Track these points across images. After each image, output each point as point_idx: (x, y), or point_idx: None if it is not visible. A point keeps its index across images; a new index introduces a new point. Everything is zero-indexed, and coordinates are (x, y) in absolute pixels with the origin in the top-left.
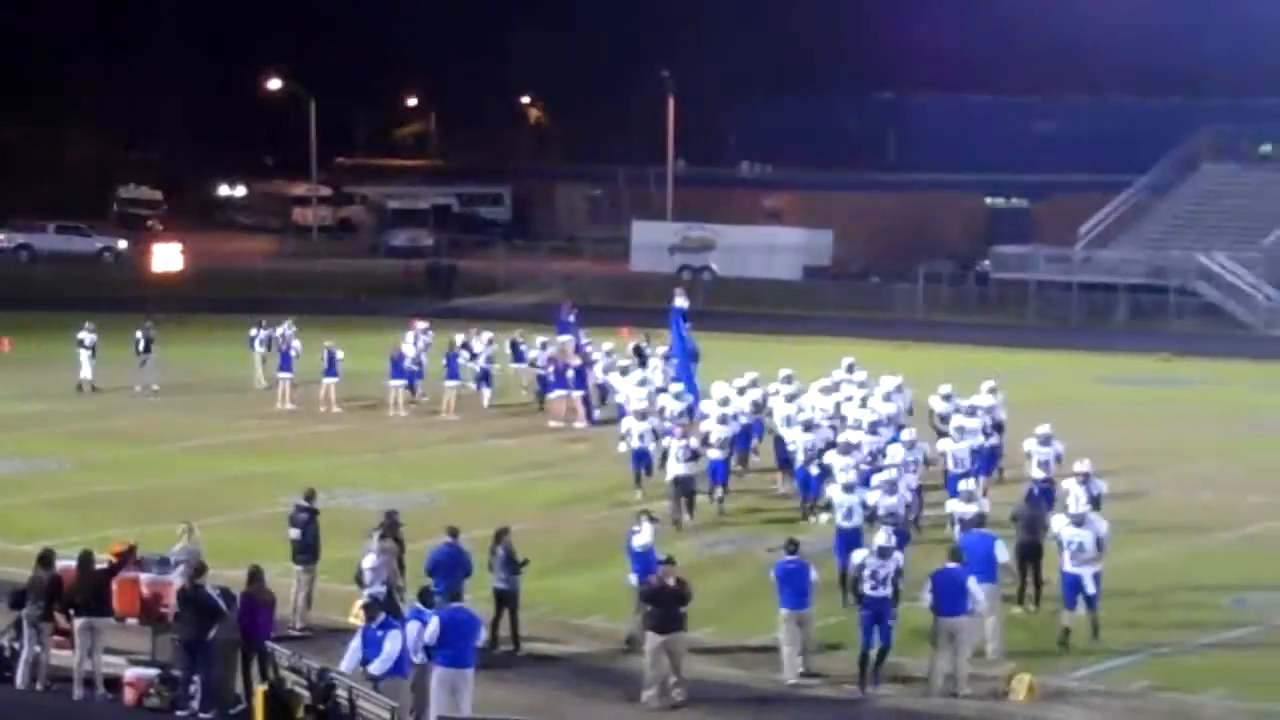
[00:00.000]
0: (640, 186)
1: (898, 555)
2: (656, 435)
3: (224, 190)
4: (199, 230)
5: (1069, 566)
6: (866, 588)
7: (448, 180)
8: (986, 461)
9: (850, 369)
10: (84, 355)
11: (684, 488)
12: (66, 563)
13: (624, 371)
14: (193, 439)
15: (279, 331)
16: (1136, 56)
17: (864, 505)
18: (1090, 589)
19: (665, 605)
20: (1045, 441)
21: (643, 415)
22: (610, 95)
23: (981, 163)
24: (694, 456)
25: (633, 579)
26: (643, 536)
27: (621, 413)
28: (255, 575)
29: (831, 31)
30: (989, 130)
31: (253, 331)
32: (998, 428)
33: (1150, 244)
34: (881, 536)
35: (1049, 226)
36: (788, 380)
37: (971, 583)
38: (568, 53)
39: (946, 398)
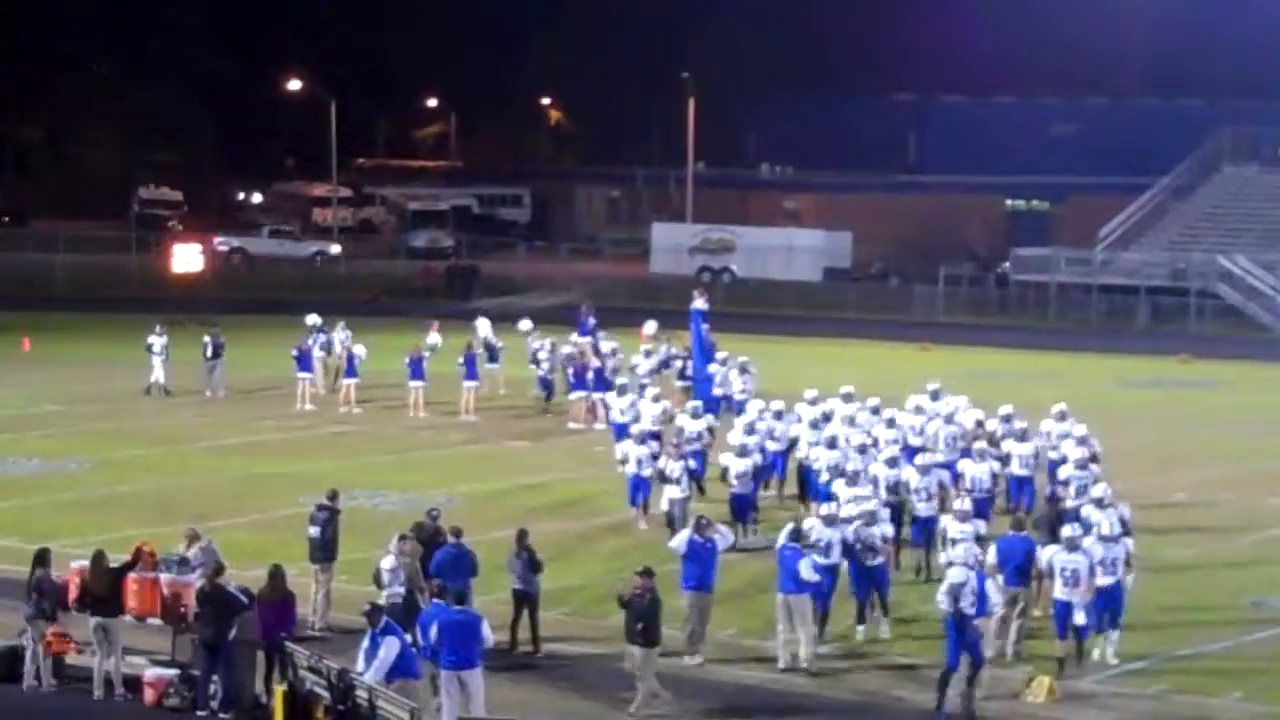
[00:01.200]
0: (660, 188)
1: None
2: (655, 459)
3: (241, 197)
4: (220, 231)
5: (1059, 593)
6: (965, 605)
7: (467, 181)
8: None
9: (935, 395)
10: (155, 359)
11: (680, 513)
12: (84, 563)
13: (621, 391)
14: (211, 439)
15: (337, 335)
16: (1158, 59)
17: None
18: (1080, 619)
19: (631, 617)
20: (1083, 465)
21: (642, 439)
22: (630, 96)
23: (1002, 165)
24: (695, 478)
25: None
26: (679, 538)
27: (619, 433)
28: (271, 575)
29: (853, 33)
30: (1010, 132)
31: (319, 335)
32: (1094, 459)
33: (1171, 246)
34: (957, 552)
35: (1069, 229)
36: (846, 397)
37: (990, 586)
38: (587, 54)
39: (1006, 419)
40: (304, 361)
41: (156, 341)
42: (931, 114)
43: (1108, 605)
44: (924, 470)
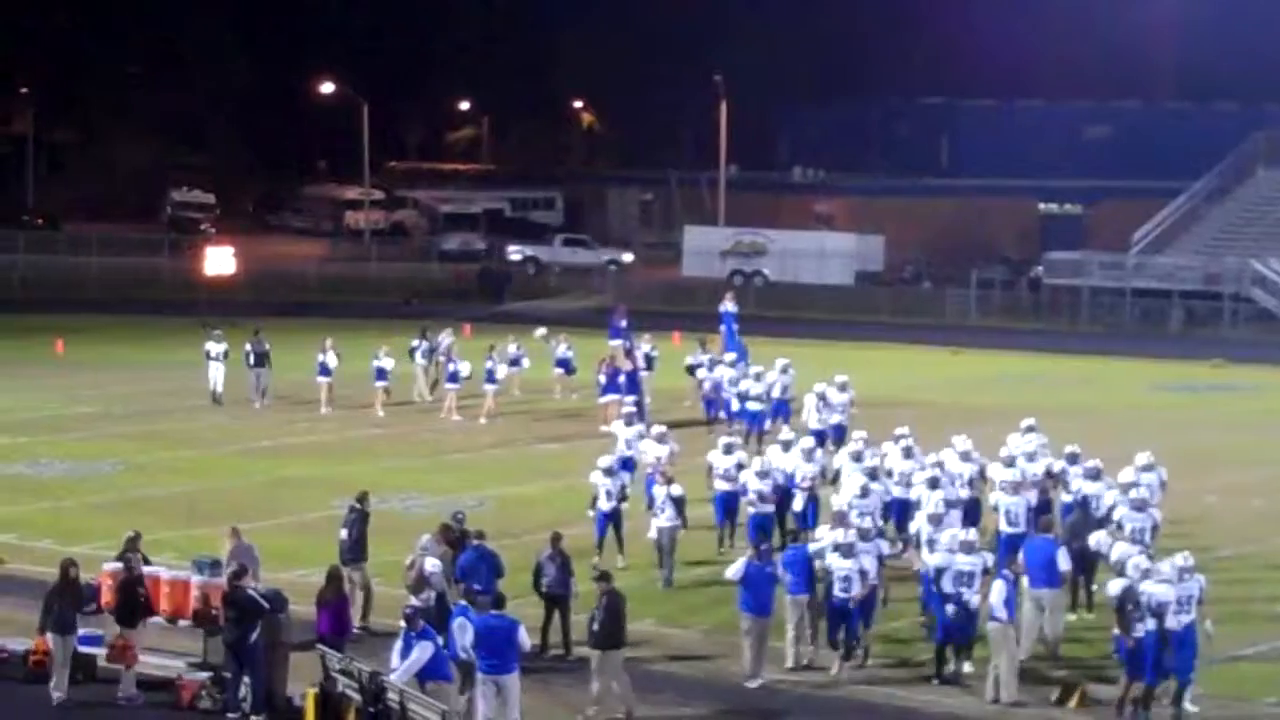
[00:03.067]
0: (692, 191)
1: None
2: (625, 495)
3: (252, 209)
4: (252, 234)
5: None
6: (1173, 622)
7: (499, 184)
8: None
9: (1030, 429)
10: (214, 366)
11: (668, 543)
12: (116, 564)
13: (629, 420)
14: (243, 443)
15: (441, 343)
16: (1191, 61)
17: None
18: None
19: (590, 619)
20: (1140, 507)
21: (609, 471)
22: (662, 99)
23: (1034, 168)
24: (681, 506)
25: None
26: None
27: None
28: (329, 576)
29: (884, 37)
30: (1042, 136)
31: (414, 343)
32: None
33: (1204, 250)
34: (1162, 567)
35: (1102, 232)
36: (907, 452)
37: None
38: (620, 57)
39: (1072, 458)
40: (323, 368)
41: (215, 348)
42: (963, 117)
43: (1184, 647)
44: (935, 521)
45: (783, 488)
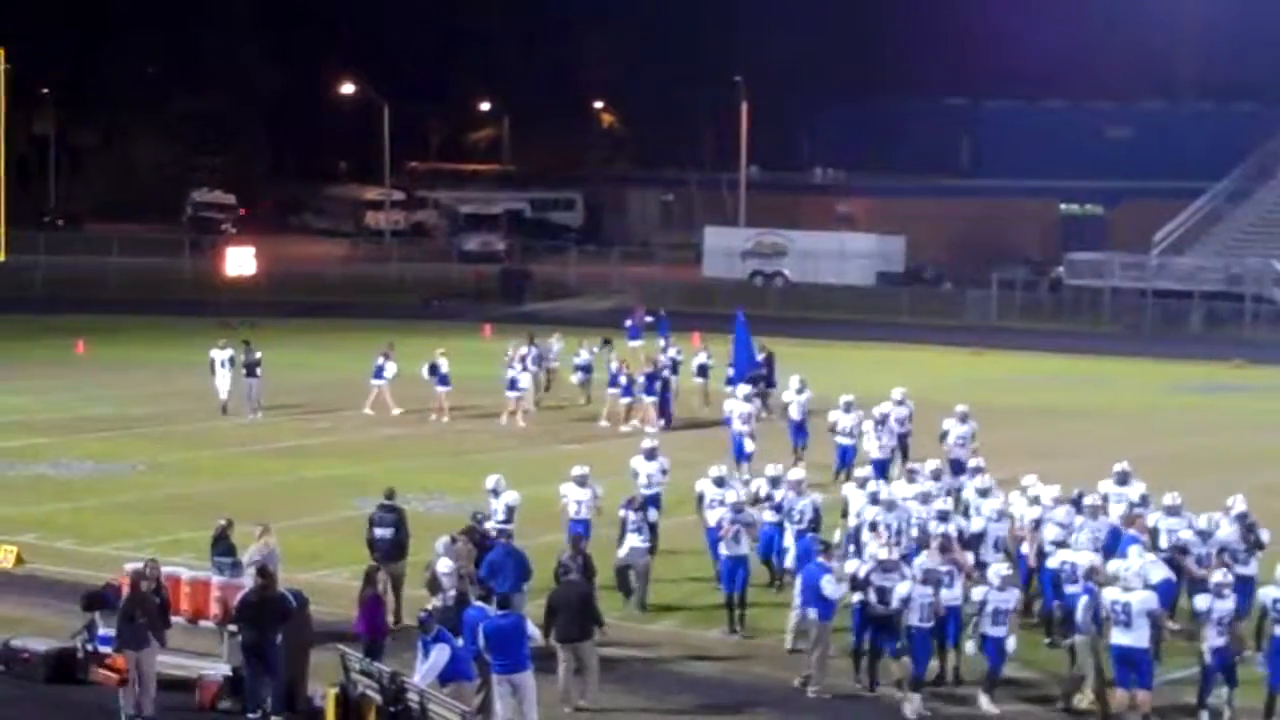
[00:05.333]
0: (713, 191)
1: None
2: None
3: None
4: (272, 234)
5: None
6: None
7: (520, 185)
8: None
9: (1123, 478)
10: (221, 374)
11: (640, 568)
12: (137, 565)
13: (650, 455)
14: (264, 443)
15: (552, 350)
16: (1212, 62)
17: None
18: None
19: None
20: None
21: (496, 492)
22: (683, 100)
23: (1056, 169)
24: (651, 531)
25: (811, 613)
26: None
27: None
28: (366, 575)
29: (905, 37)
30: (1063, 136)
31: (522, 350)
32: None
33: (1225, 251)
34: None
35: (1123, 233)
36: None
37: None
38: (640, 57)
39: (1140, 502)
40: (378, 371)
41: (220, 355)
42: (984, 118)
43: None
44: (1003, 585)
45: (777, 523)
